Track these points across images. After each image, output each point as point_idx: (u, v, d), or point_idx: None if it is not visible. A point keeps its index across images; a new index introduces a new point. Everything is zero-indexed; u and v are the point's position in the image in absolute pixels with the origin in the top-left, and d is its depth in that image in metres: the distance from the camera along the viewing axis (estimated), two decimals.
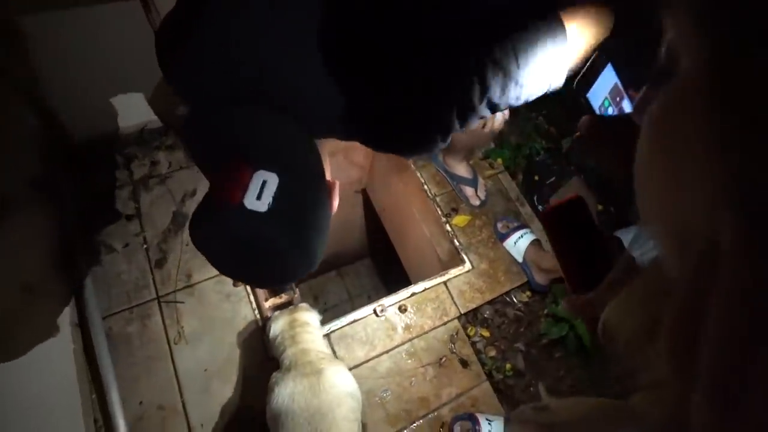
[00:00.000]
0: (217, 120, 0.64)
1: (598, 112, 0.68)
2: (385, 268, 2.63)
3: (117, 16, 1.12)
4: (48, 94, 1.20)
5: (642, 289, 0.32)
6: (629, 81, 0.66)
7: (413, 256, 1.80)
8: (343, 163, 1.80)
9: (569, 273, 0.47)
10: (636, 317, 0.33)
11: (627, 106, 0.67)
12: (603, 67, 0.67)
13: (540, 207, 1.56)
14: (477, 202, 1.48)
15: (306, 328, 1.07)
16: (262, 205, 0.57)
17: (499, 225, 1.44)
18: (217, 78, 0.64)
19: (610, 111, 0.68)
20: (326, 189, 0.67)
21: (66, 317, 1.12)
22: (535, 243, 1.39)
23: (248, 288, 1.27)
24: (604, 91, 0.68)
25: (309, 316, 1.10)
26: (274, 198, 0.57)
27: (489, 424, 1.14)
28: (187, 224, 1.39)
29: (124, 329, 1.17)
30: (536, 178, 1.61)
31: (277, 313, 1.12)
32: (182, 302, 1.22)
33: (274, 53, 0.61)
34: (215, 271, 1.28)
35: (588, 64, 0.68)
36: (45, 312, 1.07)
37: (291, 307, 1.14)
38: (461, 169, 1.48)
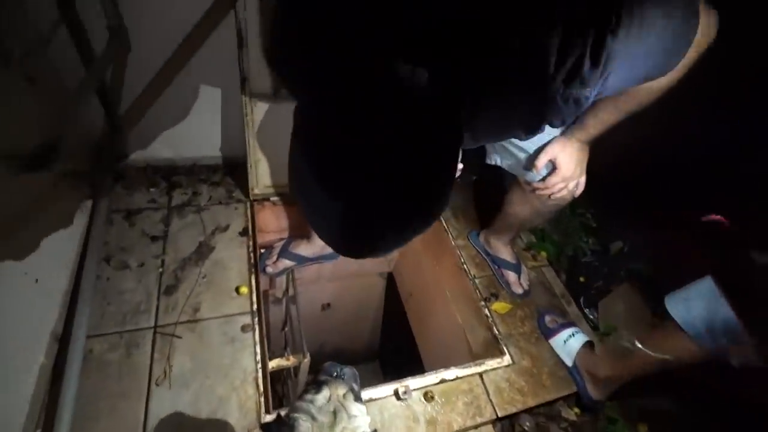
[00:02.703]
0: None
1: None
2: (393, 375, 2.33)
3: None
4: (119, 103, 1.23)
5: None
6: None
7: (437, 347, 1.60)
8: None
9: None
10: None
11: None
12: None
13: (588, 311, 1.41)
14: (520, 290, 1.35)
15: None
16: None
17: (547, 318, 1.28)
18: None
19: None
20: None
21: (48, 325, 0.96)
22: (588, 345, 1.20)
23: (256, 337, 1.10)
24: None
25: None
26: None
27: None
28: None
29: (106, 355, 0.99)
30: (582, 279, 1.50)
31: (312, 401, 0.64)
32: (179, 337, 1.06)
33: None
34: (225, 310, 1.15)
35: None
36: (28, 311, 0.93)
37: (336, 388, 0.67)
38: (504, 253, 1.39)
